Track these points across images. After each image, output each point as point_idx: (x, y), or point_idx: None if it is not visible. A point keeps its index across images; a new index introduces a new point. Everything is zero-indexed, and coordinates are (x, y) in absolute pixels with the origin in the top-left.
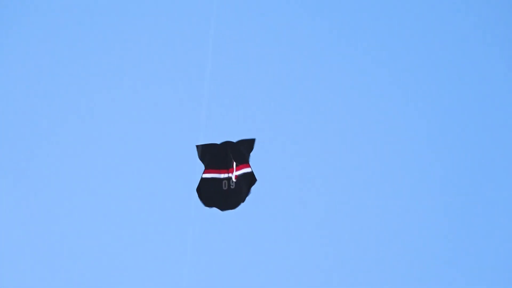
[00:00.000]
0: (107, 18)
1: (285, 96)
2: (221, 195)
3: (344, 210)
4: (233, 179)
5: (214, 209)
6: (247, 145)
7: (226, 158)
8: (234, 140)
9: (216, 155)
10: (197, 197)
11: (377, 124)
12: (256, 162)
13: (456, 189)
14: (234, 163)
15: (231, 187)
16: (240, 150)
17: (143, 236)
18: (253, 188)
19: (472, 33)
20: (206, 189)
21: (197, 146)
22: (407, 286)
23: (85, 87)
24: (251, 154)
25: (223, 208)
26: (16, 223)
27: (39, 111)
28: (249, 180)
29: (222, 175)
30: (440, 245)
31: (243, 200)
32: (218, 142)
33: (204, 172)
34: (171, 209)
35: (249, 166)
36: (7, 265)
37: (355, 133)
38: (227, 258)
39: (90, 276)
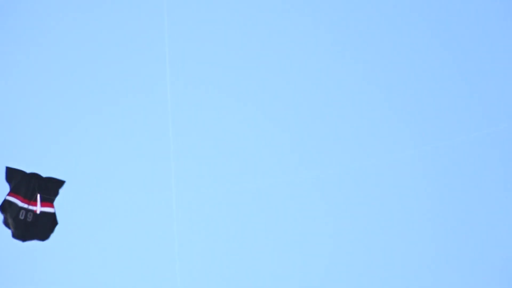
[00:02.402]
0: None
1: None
2: (16, 222)
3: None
4: (32, 212)
5: None
6: (56, 185)
7: (31, 189)
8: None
9: (22, 182)
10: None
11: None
12: None
13: None
14: (39, 197)
15: (28, 219)
16: (47, 187)
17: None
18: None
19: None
20: (6, 211)
21: (7, 168)
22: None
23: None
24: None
25: (15, 235)
26: None
27: None
28: (51, 221)
29: (22, 204)
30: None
31: (43, 239)
32: (28, 171)
33: (8, 194)
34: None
35: (53, 207)
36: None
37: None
38: None
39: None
